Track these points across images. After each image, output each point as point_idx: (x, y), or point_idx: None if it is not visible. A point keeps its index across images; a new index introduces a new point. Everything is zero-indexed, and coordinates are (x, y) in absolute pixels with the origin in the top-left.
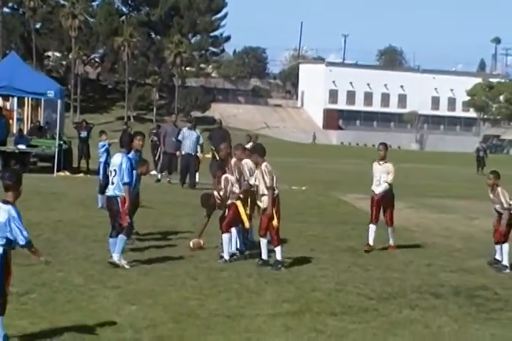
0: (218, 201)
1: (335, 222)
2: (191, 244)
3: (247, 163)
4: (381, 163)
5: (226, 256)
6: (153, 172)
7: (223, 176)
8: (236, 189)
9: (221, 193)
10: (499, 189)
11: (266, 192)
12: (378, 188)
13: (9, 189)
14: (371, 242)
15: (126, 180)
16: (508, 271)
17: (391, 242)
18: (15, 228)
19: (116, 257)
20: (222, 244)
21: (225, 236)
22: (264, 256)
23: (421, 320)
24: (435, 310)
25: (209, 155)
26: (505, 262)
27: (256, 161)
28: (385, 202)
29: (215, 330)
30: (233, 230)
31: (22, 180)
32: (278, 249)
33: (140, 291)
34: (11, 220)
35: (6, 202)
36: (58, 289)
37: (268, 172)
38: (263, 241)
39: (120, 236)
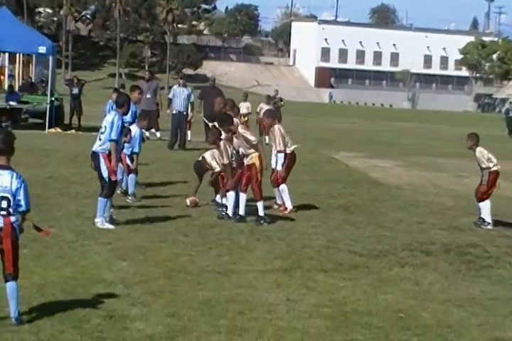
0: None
1: (326, 180)
2: (188, 202)
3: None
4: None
5: (229, 212)
6: None
7: (221, 143)
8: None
9: (225, 159)
10: (477, 149)
11: (250, 151)
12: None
13: (3, 153)
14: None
15: (113, 136)
16: (490, 226)
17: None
18: (22, 195)
19: (98, 222)
20: (214, 200)
21: (231, 195)
22: (242, 211)
23: (411, 277)
24: (425, 268)
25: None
26: (488, 218)
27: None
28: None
29: (206, 286)
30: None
31: (14, 143)
32: (260, 204)
33: (131, 247)
34: (22, 187)
35: (3, 167)
36: (50, 245)
37: (246, 130)
38: (243, 196)
39: (99, 198)
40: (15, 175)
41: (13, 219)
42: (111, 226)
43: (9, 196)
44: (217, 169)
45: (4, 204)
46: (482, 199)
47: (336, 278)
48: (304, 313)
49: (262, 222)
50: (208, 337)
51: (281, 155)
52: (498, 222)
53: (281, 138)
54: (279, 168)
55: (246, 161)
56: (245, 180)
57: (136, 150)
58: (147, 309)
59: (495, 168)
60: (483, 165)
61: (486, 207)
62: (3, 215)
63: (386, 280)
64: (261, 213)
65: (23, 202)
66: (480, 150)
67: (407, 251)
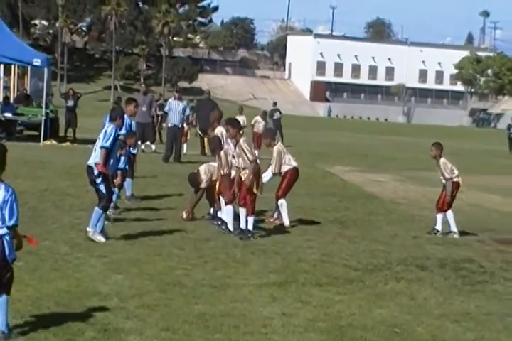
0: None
1: (322, 194)
2: (184, 215)
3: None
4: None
5: (229, 226)
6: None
7: (221, 153)
8: (234, 160)
9: (225, 170)
10: (441, 160)
11: (247, 164)
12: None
13: None
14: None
15: (105, 143)
16: (456, 236)
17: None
18: (9, 208)
19: (90, 231)
20: (209, 214)
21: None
22: (243, 225)
23: (406, 291)
24: (421, 282)
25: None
26: (453, 228)
27: (234, 136)
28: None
29: (201, 300)
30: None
31: (6, 156)
32: (251, 219)
33: (126, 260)
34: (9, 201)
35: None
36: (44, 257)
37: (248, 146)
38: (242, 211)
39: (96, 209)
40: (3, 186)
41: (1, 232)
42: (102, 239)
43: None
44: (203, 185)
45: None
46: (442, 211)
47: (331, 292)
48: (299, 327)
49: (249, 236)
50: None
51: (271, 175)
52: (464, 232)
53: (278, 161)
54: (264, 180)
55: (243, 175)
56: (242, 195)
57: (120, 165)
58: (142, 322)
59: (456, 179)
60: (447, 176)
61: (450, 217)
62: None
63: (381, 294)
64: (250, 227)
65: (6, 217)
66: (444, 161)
67: (402, 266)
